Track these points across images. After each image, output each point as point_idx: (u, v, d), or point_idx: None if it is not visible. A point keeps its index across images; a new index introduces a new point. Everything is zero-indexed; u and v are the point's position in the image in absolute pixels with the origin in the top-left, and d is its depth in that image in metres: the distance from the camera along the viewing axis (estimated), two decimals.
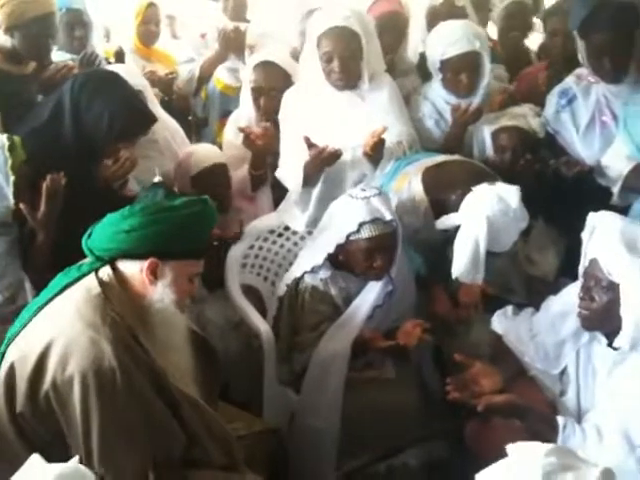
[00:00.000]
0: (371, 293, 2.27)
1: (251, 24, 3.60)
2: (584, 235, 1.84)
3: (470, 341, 2.32)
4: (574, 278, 2.00)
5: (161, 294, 1.64)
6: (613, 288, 1.72)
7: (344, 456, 2.16)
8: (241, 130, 2.73)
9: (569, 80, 2.61)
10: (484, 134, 2.64)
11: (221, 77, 3.48)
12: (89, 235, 1.69)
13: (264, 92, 2.83)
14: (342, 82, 2.52)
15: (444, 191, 2.30)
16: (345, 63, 2.47)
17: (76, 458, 1.27)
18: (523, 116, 2.60)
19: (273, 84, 2.82)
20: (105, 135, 2.24)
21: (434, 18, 3.06)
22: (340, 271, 2.30)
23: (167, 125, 2.91)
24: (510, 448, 1.18)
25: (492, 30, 3.54)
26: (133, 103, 2.32)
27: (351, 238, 2.20)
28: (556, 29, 2.89)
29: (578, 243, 1.91)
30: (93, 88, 2.26)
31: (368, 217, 2.17)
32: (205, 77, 3.53)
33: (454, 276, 2.14)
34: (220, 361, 1.96)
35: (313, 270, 2.29)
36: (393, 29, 2.91)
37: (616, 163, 2.37)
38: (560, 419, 1.73)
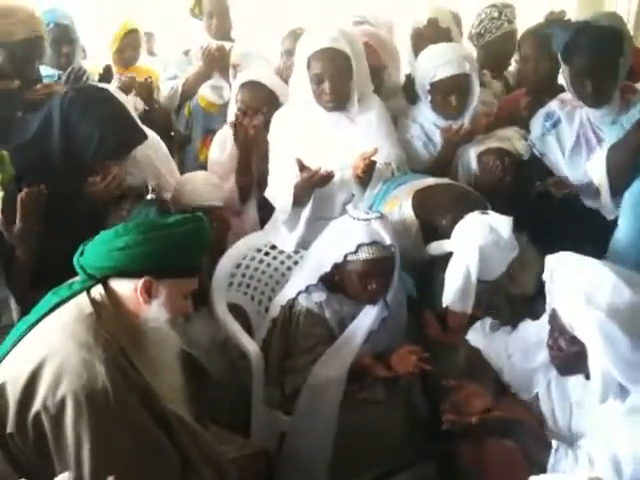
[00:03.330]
0: (367, 317, 2.25)
1: (235, 43, 3.61)
2: (545, 277, 1.80)
3: (455, 361, 2.32)
4: None
5: (155, 313, 1.62)
6: (578, 341, 1.69)
7: (334, 478, 2.14)
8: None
9: (553, 104, 2.63)
10: (470, 156, 2.66)
11: (205, 95, 3.46)
12: (81, 253, 1.66)
13: (250, 112, 2.82)
14: (332, 103, 2.53)
15: (434, 215, 2.31)
16: (335, 84, 2.48)
17: (67, 474, 1.23)
18: (509, 139, 2.63)
19: (260, 104, 2.82)
20: (95, 152, 2.21)
21: (419, 40, 3.10)
22: (335, 294, 2.29)
23: (149, 142, 2.89)
24: None
25: None
26: (124, 120, 2.30)
27: (348, 259, 2.19)
28: (528, 55, 2.91)
29: None
30: (83, 105, 2.24)
31: (367, 239, 2.16)
32: (188, 94, 3.50)
33: (444, 304, 2.15)
34: (210, 381, 1.94)
35: (308, 290, 2.28)
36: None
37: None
38: (554, 441, 1.72)
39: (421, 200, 2.37)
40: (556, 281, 1.76)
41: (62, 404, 1.46)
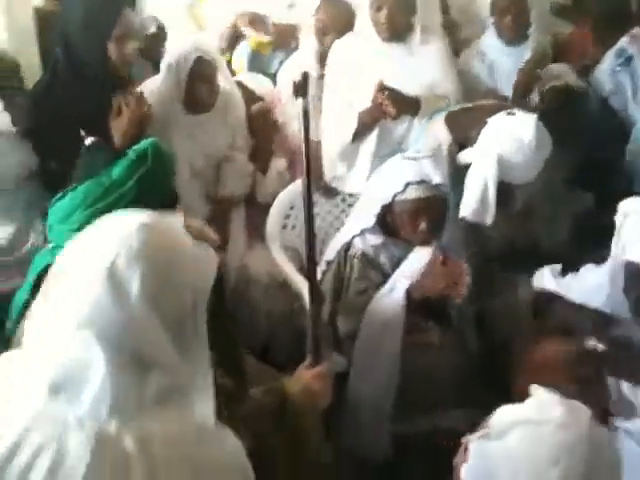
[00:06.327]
0: (420, 258, 2.09)
1: None
2: (616, 222, 1.63)
3: (512, 301, 2.15)
4: None
5: None
6: None
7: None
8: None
9: (624, 41, 2.41)
10: None
11: (251, 35, 3.26)
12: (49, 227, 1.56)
13: (329, 30, 2.71)
14: (387, 33, 2.35)
15: (467, 128, 2.16)
16: (393, 14, 2.31)
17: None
18: (564, 75, 2.41)
19: (337, 22, 2.70)
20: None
21: None
22: (391, 238, 2.14)
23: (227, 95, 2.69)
24: None
25: None
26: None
27: (397, 199, 2.03)
28: None
29: None
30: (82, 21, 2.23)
31: (415, 178, 2.00)
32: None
33: (461, 215, 1.99)
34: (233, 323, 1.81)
35: (363, 233, 2.14)
36: None
37: None
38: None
39: (455, 117, 2.24)
40: (629, 228, 1.57)
41: None
